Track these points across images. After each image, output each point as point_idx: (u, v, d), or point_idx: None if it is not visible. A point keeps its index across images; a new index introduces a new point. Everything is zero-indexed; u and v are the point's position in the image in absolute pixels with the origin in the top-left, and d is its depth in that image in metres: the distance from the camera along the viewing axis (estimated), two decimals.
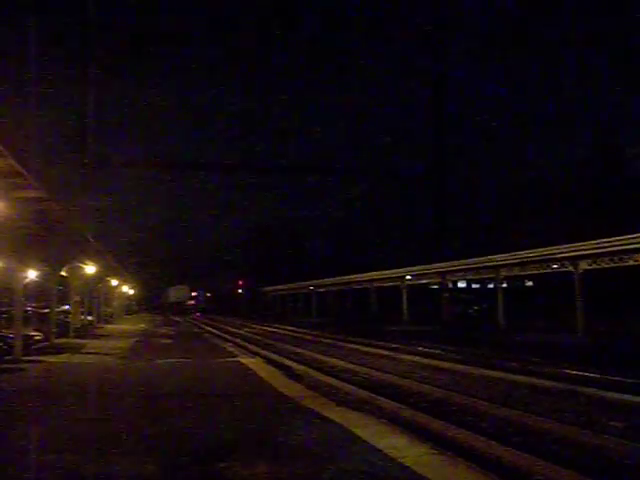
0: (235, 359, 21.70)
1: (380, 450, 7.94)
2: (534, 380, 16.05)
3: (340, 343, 31.14)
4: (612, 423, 10.95)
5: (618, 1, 79.85)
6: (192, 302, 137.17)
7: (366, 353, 26.01)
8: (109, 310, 62.03)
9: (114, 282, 56.95)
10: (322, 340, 34.16)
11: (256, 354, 24.98)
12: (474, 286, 68.86)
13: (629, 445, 9.15)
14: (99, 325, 46.44)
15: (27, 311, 29.88)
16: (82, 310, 41.34)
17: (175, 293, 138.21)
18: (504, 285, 42.81)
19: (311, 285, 77.86)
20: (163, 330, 45.30)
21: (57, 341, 28.18)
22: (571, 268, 33.39)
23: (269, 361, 21.54)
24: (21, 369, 17.65)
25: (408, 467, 7.18)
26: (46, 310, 31.61)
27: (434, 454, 7.89)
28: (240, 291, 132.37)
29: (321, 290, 76.58)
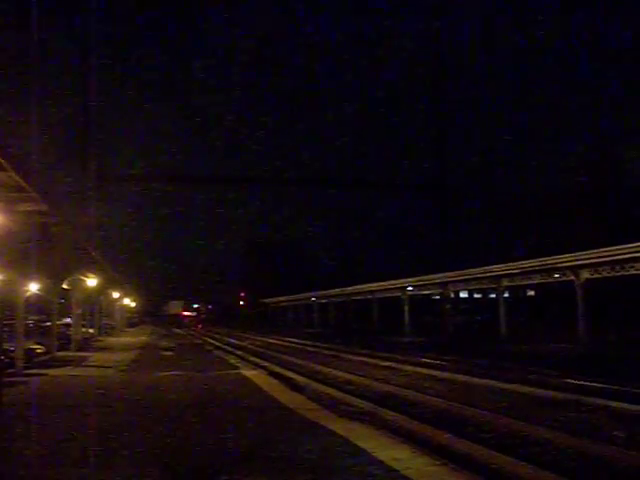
0: (237, 371, 21.68)
1: (382, 462, 7.93)
2: (536, 390, 16.01)
3: (342, 354, 31.07)
4: (615, 433, 10.91)
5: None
6: (188, 313, 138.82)
7: (368, 364, 25.94)
8: (111, 323, 61.95)
9: (115, 294, 56.92)
10: (324, 352, 34.10)
11: (258, 366, 24.93)
12: (476, 296, 68.81)
13: (632, 455, 9.12)
14: (101, 338, 46.38)
15: (28, 324, 29.89)
16: (83, 323, 41.28)
17: (172, 307, 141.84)
18: (506, 295, 42.76)
19: (313, 296, 77.78)
20: (164, 342, 45.19)
21: (58, 354, 28.14)
22: (572, 277, 33.36)
23: (271, 373, 21.49)
24: (23, 382, 17.63)
25: (411, 479, 7.16)
26: (47, 323, 31.65)
27: (436, 465, 7.87)
28: (242, 303, 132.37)
29: (323, 301, 76.48)
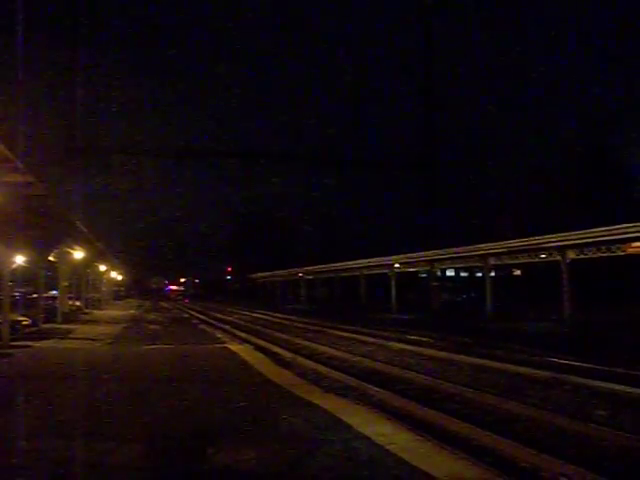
0: (223, 345, 21.71)
1: (367, 437, 8.00)
2: (520, 368, 16.17)
3: (328, 330, 31.18)
4: (597, 412, 11.07)
5: None
6: (175, 287, 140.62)
7: (354, 340, 26.07)
8: (97, 295, 61.78)
9: (102, 267, 56.68)
10: (310, 327, 34.21)
11: (244, 340, 25.01)
12: (462, 274, 69.18)
13: (613, 433, 9.27)
14: (87, 310, 46.27)
15: (15, 296, 29.76)
16: (70, 295, 41.15)
17: (158, 281, 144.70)
18: (492, 274, 42.99)
19: (300, 272, 77.82)
20: (151, 316, 45.21)
21: (45, 326, 28.08)
22: (559, 257, 33.56)
23: (257, 348, 21.56)
24: (8, 354, 17.59)
25: (395, 454, 7.23)
26: (34, 295, 31.50)
27: (420, 441, 7.96)
28: (228, 278, 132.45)
29: (310, 277, 76.58)
